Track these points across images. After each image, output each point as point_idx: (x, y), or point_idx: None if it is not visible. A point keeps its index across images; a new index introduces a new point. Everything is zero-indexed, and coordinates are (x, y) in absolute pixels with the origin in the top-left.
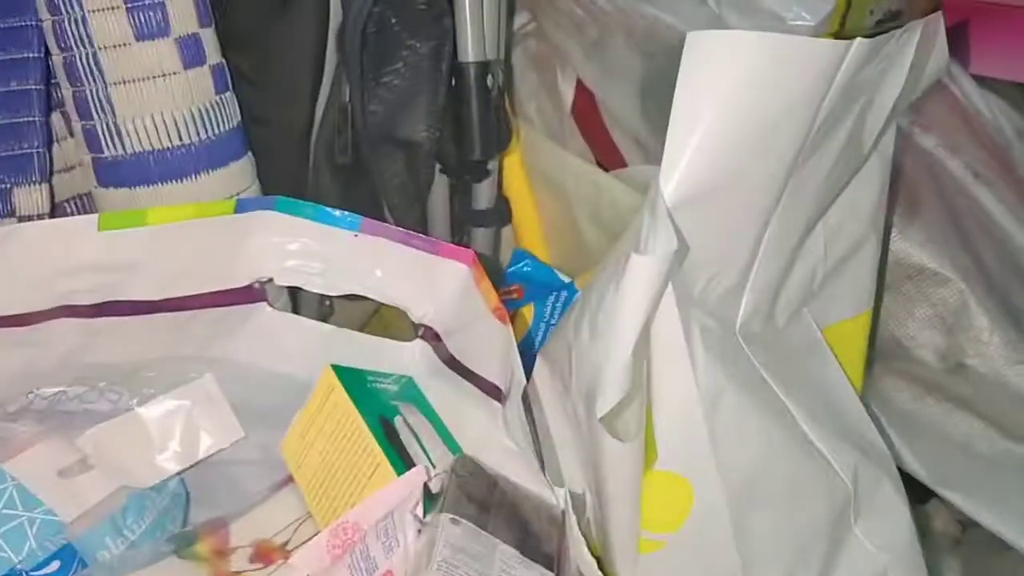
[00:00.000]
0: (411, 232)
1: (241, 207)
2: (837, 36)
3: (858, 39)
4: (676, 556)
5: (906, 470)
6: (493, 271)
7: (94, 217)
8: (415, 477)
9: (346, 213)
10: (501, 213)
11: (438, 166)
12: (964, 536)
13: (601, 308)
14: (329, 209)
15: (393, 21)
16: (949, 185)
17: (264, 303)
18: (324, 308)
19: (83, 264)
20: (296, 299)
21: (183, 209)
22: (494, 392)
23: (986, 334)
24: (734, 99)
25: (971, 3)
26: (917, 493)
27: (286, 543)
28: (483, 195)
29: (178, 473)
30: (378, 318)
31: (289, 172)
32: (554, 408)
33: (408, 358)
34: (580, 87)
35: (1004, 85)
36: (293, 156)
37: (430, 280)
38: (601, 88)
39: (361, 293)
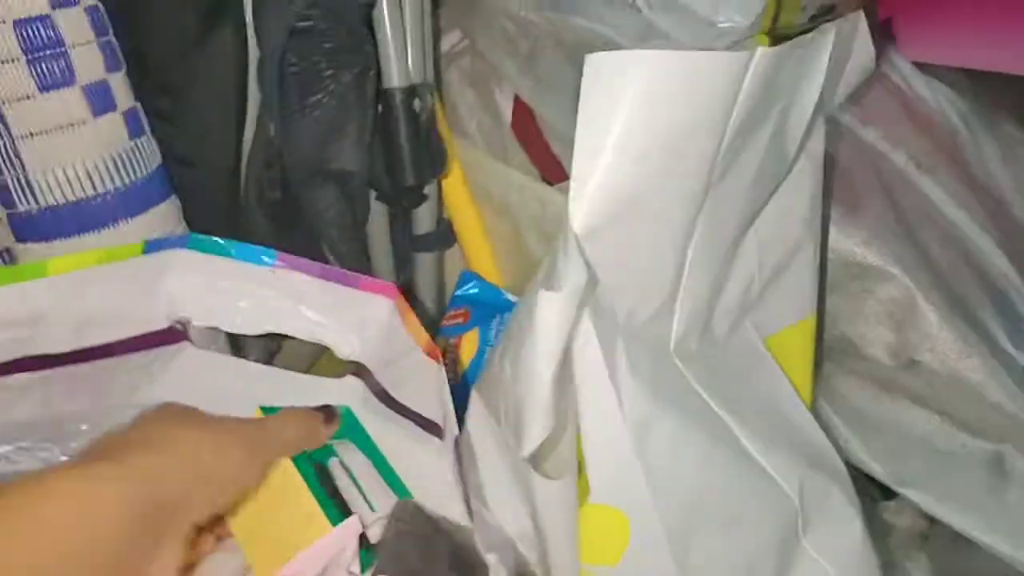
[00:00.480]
0: (329, 267)
1: (150, 248)
2: (769, 34)
3: (759, 49)
4: None
5: (865, 470)
6: (439, 295)
7: None
8: (348, 529)
9: (261, 248)
10: (443, 236)
11: (373, 194)
12: (931, 530)
13: (517, 344)
14: (244, 244)
15: (313, 52)
16: (892, 178)
17: (186, 343)
18: (271, 345)
19: None
20: (239, 341)
21: (87, 256)
22: (433, 428)
23: (935, 328)
24: (638, 119)
25: None
26: (883, 491)
27: None
28: (423, 220)
29: None
30: (329, 354)
31: (219, 212)
32: (491, 444)
33: (340, 396)
34: (518, 102)
35: (947, 71)
36: (222, 195)
37: (353, 315)
38: (538, 102)
39: (283, 331)
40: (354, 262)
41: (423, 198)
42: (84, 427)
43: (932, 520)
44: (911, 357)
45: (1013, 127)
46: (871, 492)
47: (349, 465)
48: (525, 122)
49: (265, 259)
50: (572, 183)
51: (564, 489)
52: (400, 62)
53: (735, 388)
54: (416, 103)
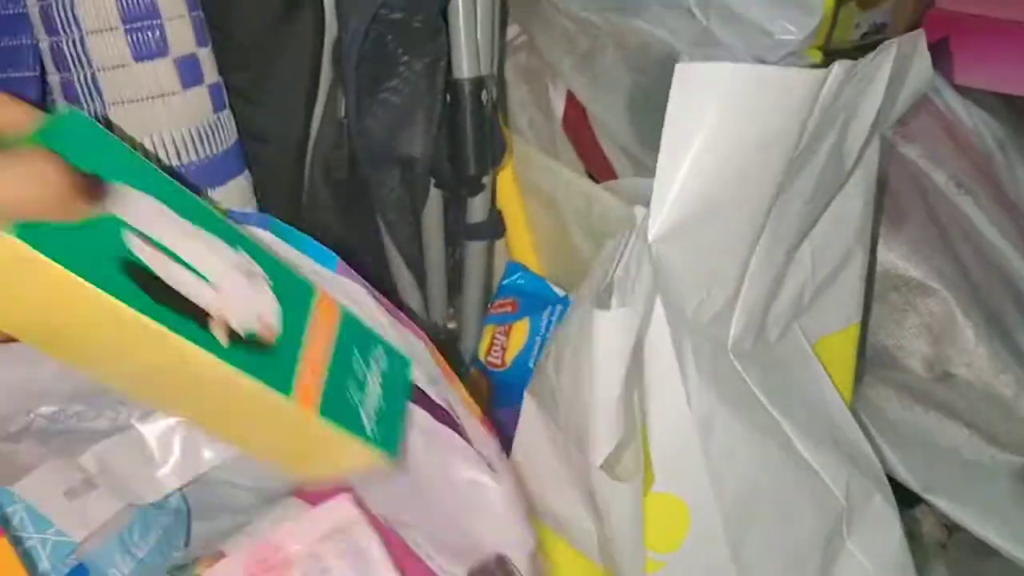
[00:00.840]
0: (378, 292)
1: (232, 217)
2: (823, 49)
3: (837, 63)
4: (677, 574)
5: (895, 477)
6: (487, 283)
7: None
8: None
9: (326, 249)
10: (495, 226)
11: (432, 180)
12: (950, 540)
13: (577, 358)
14: (313, 242)
15: (389, 38)
16: (933, 196)
17: None
18: None
19: None
20: None
21: None
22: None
23: (972, 344)
24: (722, 129)
25: (953, 16)
26: (904, 498)
27: None
28: (477, 208)
29: (179, 488)
30: None
31: (285, 188)
32: (545, 441)
33: None
34: (571, 99)
35: (985, 95)
36: (289, 172)
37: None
38: (591, 101)
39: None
40: (408, 245)
41: (482, 187)
42: None
43: (951, 530)
44: (946, 370)
45: None
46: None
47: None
48: (577, 120)
49: (329, 260)
50: (656, 184)
51: (632, 490)
52: (471, 53)
53: (786, 389)
54: (483, 95)
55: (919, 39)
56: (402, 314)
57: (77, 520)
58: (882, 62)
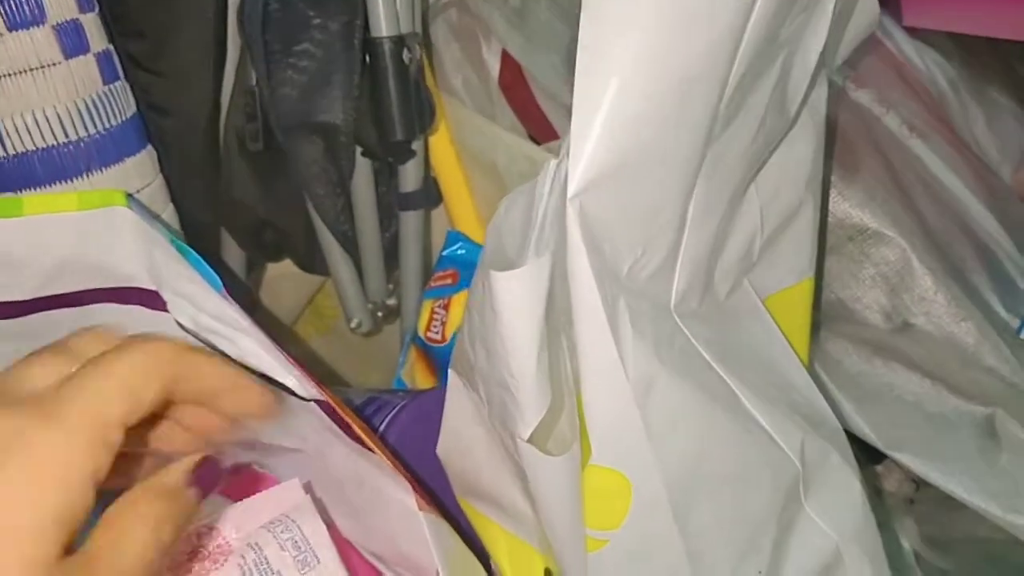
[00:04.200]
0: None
1: (133, 202)
2: None
3: None
4: (621, 553)
5: (856, 434)
6: (425, 255)
7: None
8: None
9: (211, 271)
10: (429, 194)
11: (359, 149)
12: (917, 494)
13: (485, 325)
14: (203, 261)
15: None
16: (886, 141)
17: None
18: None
19: None
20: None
21: (65, 198)
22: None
23: (930, 292)
24: (641, 64)
25: None
26: (869, 454)
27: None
28: (409, 177)
29: None
30: (313, 308)
31: (196, 165)
32: (473, 420)
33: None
34: (506, 58)
35: (937, 36)
36: (199, 148)
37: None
38: (526, 58)
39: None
40: (337, 220)
41: (411, 154)
42: None
43: (919, 484)
44: (905, 320)
45: (998, 93)
46: (858, 457)
47: None
48: (514, 79)
49: (214, 285)
50: (572, 136)
51: (567, 464)
52: (388, 10)
53: (735, 348)
54: (405, 54)
55: None
56: (291, 360)
57: None
58: None
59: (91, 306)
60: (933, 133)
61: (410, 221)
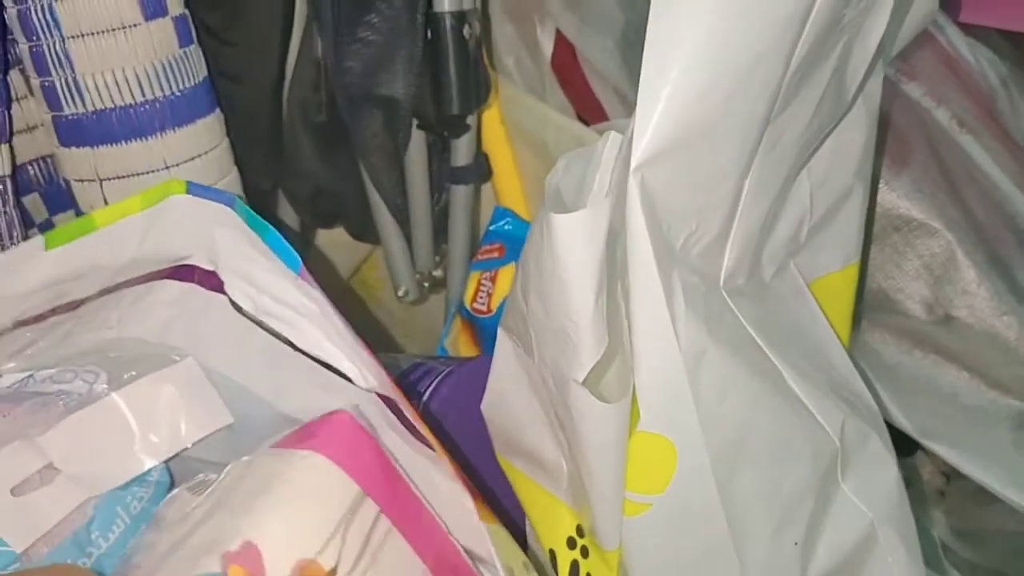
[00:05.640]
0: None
1: (194, 190)
2: None
3: None
4: (662, 518)
5: (893, 423)
6: (473, 228)
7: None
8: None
9: (293, 251)
10: (480, 169)
11: (415, 122)
12: (948, 487)
13: (541, 270)
14: (280, 238)
15: None
16: (936, 135)
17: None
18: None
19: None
20: None
21: (132, 202)
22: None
23: (973, 285)
24: (706, 45)
25: None
26: (903, 446)
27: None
28: (462, 151)
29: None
30: (358, 278)
31: (262, 132)
32: (519, 376)
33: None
34: (560, 39)
35: (989, 33)
36: (265, 116)
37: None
38: (581, 40)
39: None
40: (391, 191)
41: (465, 128)
42: (112, 355)
43: (949, 477)
44: (947, 312)
45: None
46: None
47: None
48: (567, 60)
49: (293, 262)
50: (638, 110)
51: (620, 411)
52: None
53: (780, 329)
54: (466, 29)
55: None
56: (361, 347)
57: (23, 523)
58: None
59: (151, 283)
60: (983, 129)
61: (460, 195)
